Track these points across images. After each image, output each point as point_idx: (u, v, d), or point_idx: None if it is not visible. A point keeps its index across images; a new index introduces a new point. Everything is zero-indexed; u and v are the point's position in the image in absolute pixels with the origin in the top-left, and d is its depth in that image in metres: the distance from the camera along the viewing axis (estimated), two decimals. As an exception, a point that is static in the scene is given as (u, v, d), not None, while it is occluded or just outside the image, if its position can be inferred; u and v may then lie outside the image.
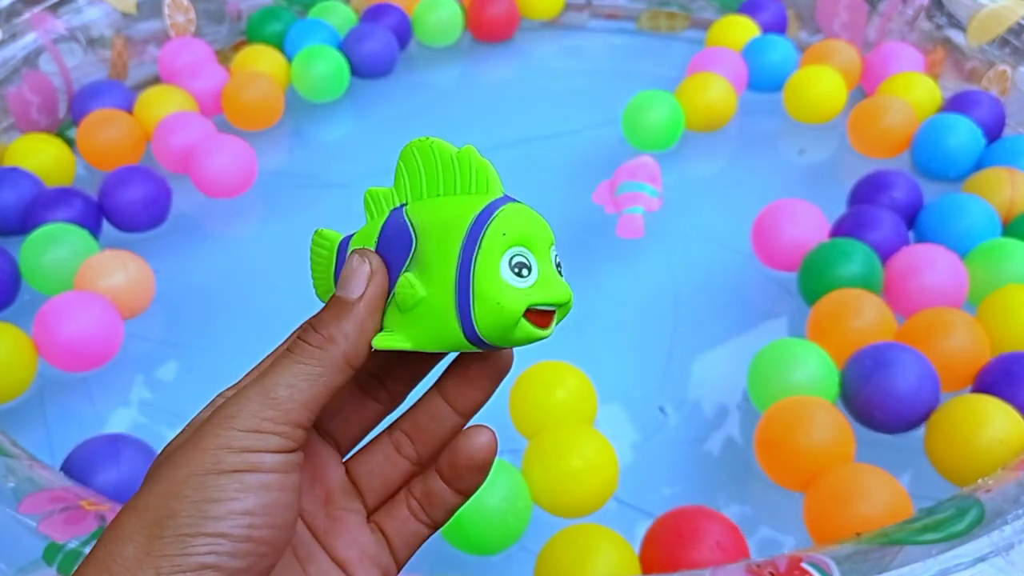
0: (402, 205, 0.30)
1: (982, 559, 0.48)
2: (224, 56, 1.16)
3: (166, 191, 0.93)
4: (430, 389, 0.31)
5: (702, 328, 0.85)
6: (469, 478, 0.30)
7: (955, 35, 1.09)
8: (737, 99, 1.05)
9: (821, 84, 1.05)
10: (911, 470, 0.67)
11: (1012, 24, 1.04)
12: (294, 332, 0.30)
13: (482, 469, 0.30)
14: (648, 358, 0.82)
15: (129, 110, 1.02)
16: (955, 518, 0.52)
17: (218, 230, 0.98)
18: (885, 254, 0.80)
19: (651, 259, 0.93)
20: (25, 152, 0.95)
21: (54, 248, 0.82)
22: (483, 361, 0.30)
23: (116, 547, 0.26)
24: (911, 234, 0.87)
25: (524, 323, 0.27)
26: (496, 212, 0.28)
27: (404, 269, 0.29)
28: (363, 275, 0.29)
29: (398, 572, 0.31)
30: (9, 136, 1.00)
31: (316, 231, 0.33)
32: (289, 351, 0.28)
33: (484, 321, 0.27)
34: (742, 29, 1.14)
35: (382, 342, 0.28)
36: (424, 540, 0.31)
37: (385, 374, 0.31)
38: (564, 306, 0.28)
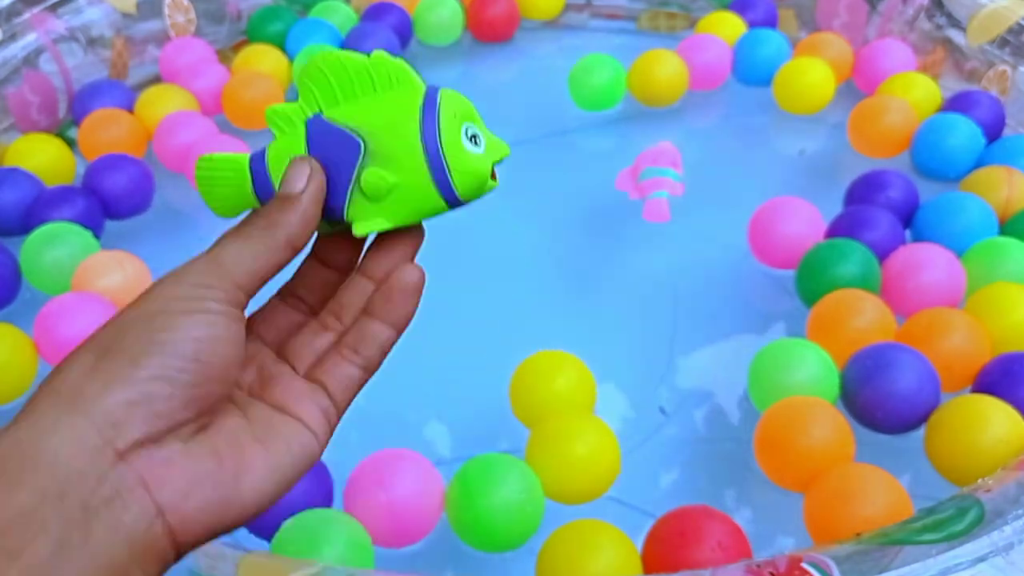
0: (316, 115, 0.34)
1: (982, 559, 0.48)
2: (225, 56, 1.16)
3: (147, 176, 0.93)
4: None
5: (702, 327, 0.85)
6: (401, 304, 0.33)
7: (955, 35, 1.09)
8: (688, 78, 1.08)
9: (809, 75, 1.05)
10: (911, 470, 0.67)
11: (1012, 24, 1.04)
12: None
13: (415, 293, 0.33)
14: (648, 358, 0.82)
15: (130, 110, 1.02)
16: (955, 518, 0.52)
17: (215, 228, 0.98)
18: (882, 254, 0.80)
19: (650, 257, 0.93)
20: (25, 152, 0.95)
21: (55, 247, 0.81)
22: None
23: (64, 373, 0.28)
24: (908, 233, 0.87)
25: (489, 179, 0.34)
26: (438, 99, 0.33)
27: (359, 166, 0.33)
28: (303, 173, 0.32)
29: (339, 415, 0.34)
30: (9, 136, 1.00)
31: (201, 157, 0.36)
32: (234, 232, 0.32)
33: (464, 187, 0.33)
34: (729, 25, 1.15)
35: (364, 228, 0.33)
36: (361, 385, 0.34)
37: (301, 286, 0.36)
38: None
